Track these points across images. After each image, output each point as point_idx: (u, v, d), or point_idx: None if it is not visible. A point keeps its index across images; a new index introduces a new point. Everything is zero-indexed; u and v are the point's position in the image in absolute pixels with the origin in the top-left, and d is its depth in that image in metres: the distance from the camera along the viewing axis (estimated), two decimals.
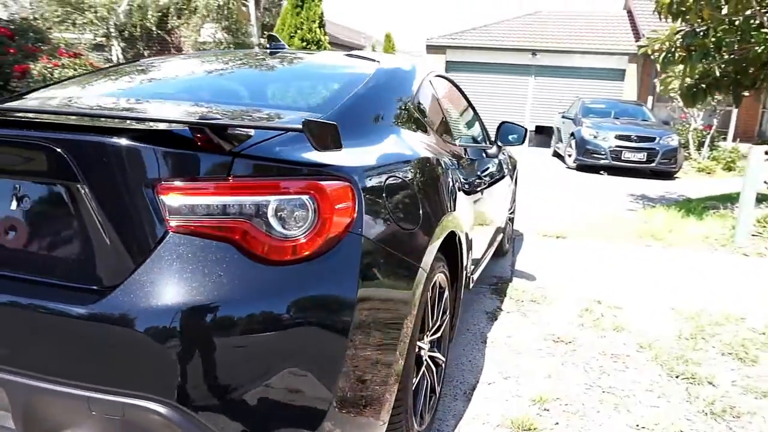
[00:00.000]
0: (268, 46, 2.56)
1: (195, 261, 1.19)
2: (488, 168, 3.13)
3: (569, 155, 10.84)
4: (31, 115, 1.39)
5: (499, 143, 3.38)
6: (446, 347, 2.12)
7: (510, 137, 3.36)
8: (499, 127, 3.41)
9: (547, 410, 2.15)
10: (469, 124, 3.29)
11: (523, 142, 3.40)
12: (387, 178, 1.50)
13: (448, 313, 2.09)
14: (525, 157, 12.89)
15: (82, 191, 1.20)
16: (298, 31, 7.32)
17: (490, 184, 3.08)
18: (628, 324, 3.07)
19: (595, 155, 10.04)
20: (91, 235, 1.21)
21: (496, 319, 3.12)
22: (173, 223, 1.19)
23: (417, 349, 1.68)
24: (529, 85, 15.48)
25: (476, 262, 2.73)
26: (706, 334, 2.95)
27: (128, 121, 1.34)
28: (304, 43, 7.29)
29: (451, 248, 2.09)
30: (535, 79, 15.41)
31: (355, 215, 1.33)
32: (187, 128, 1.20)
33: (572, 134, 10.66)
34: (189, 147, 1.21)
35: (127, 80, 2.17)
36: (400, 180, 1.57)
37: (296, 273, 1.24)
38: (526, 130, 3.38)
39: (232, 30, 12.62)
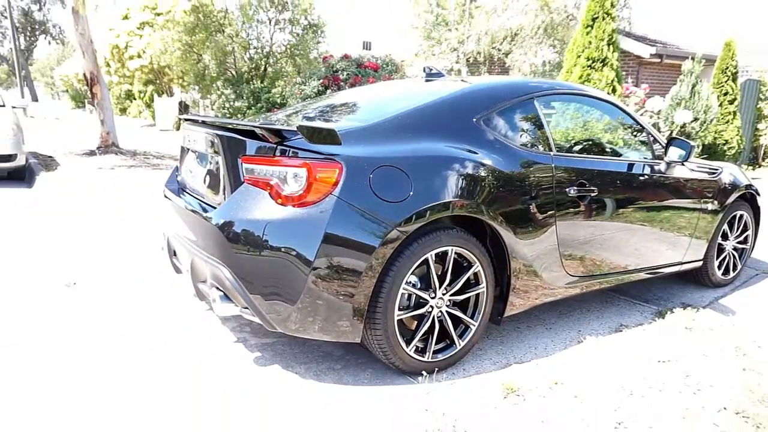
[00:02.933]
0: (424, 74, 3.41)
1: (251, 199, 2.25)
2: (639, 185, 3.19)
3: None
4: (208, 121, 2.69)
5: (667, 160, 3.33)
6: (481, 316, 2.60)
7: (676, 154, 3.29)
8: (667, 144, 3.35)
9: (551, 389, 2.38)
10: (609, 141, 3.37)
11: (687, 159, 3.25)
12: (381, 167, 2.24)
13: (484, 288, 2.57)
14: None
15: (221, 158, 2.41)
16: (585, 50, 7.50)
17: (636, 201, 3.16)
18: None
19: None
20: (221, 182, 2.42)
21: (618, 331, 3.15)
22: (246, 178, 2.29)
23: (403, 290, 2.30)
24: None
25: (585, 273, 2.97)
26: None
27: (238, 125, 2.47)
28: (589, 62, 7.43)
29: (495, 238, 2.58)
30: None
31: (338, 185, 2.15)
32: (258, 129, 2.27)
33: None
34: (257, 139, 2.29)
35: (322, 102, 3.39)
36: (395, 169, 2.26)
37: (295, 212, 2.16)
38: (692, 147, 3.22)
39: (558, 51, 13.28)
